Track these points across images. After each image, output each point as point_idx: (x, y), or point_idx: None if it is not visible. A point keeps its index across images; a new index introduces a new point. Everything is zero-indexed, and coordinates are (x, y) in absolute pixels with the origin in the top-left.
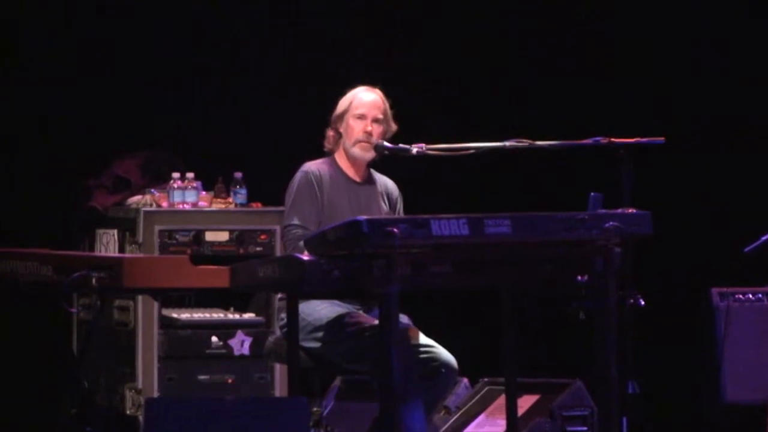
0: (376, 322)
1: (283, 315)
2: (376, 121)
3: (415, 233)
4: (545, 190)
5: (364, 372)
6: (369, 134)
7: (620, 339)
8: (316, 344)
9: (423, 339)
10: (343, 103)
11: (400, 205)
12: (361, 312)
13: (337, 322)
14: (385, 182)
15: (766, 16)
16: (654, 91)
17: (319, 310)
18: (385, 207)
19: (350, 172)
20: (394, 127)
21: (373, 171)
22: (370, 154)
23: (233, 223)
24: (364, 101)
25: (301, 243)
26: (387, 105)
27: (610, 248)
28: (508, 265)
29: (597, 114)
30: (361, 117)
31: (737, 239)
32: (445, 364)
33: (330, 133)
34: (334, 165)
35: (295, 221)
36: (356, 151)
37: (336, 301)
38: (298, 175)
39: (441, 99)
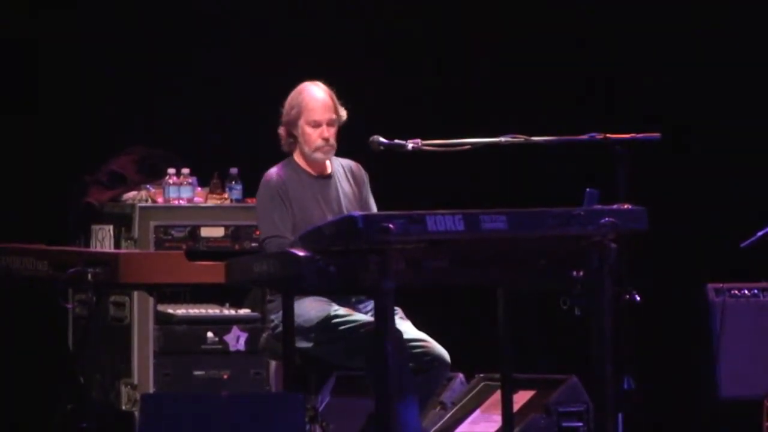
0: (368, 318)
1: (273, 316)
2: (330, 123)
3: (411, 229)
4: (541, 185)
5: (358, 368)
6: (327, 140)
7: (616, 335)
8: (308, 344)
9: (415, 333)
10: (293, 109)
11: (368, 185)
12: (351, 309)
13: (328, 321)
14: (348, 165)
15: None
16: (650, 87)
17: (309, 310)
18: (353, 191)
19: (312, 168)
20: (344, 114)
21: (333, 158)
22: (331, 155)
23: (229, 218)
24: (315, 107)
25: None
26: (334, 98)
27: (605, 244)
28: (504, 260)
29: (593, 110)
30: (316, 124)
31: (733, 235)
32: (438, 358)
33: (284, 134)
34: (294, 165)
35: (272, 233)
36: (318, 156)
37: (325, 299)
38: (262, 187)
39: (437, 94)
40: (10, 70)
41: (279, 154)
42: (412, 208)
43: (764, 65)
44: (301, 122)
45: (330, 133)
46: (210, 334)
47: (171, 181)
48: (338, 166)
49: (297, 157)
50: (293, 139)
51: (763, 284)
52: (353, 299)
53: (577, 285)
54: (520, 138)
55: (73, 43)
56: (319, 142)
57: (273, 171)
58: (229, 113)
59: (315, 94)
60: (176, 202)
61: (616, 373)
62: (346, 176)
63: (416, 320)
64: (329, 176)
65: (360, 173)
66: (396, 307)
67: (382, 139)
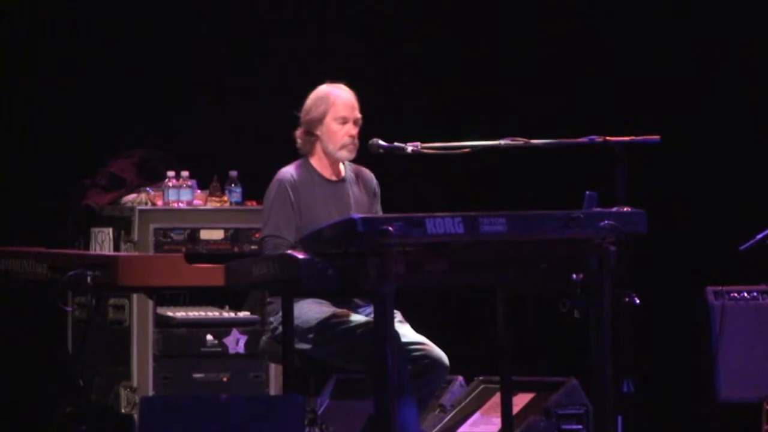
0: (366, 320)
1: (272, 318)
2: (356, 122)
3: (410, 232)
4: (540, 188)
5: (357, 370)
6: (354, 137)
7: (615, 337)
8: (307, 346)
9: (414, 336)
10: (319, 106)
11: (378, 194)
12: (349, 310)
13: (327, 322)
14: (361, 173)
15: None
16: (650, 89)
17: (307, 312)
18: (365, 199)
19: (326, 172)
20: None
21: (347, 164)
22: (354, 155)
23: (228, 221)
24: (343, 104)
25: (278, 252)
26: (356, 100)
27: (605, 247)
28: (504, 263)
29: (592, 112)
30: (344, 121)
31: (732, 238)
32: (437, 361)
33: (301, 134)
34: (309, 167)
35: (272, 232)
36: (342, 154)
37: (324, 302)
38: (273, 185)
39: (436, 97)
40: (10, 71)
41: (278, 156)
42: (411, 210)
43: (764, 66)
44: (328, 119)
45: (355, 131)
46: (209, 337)
47: (170, 184)
48: (350, 172)
49: (313, 159)
50: (314, 138)
51: (763, 287)
52: (352, 304)
53: (577, 288)
54: (520, 141)
55: (73, 44)
56: (346, 140)
57: (287, 170)
58: (229, 116)
59: (342, 93)
60: (176, 204)
61: (615, 376)
62: (358, 183)
63: (415, 323)
64: (342, 181)
65: (372, 182)
66: (395, 310)
67: (381, 142)
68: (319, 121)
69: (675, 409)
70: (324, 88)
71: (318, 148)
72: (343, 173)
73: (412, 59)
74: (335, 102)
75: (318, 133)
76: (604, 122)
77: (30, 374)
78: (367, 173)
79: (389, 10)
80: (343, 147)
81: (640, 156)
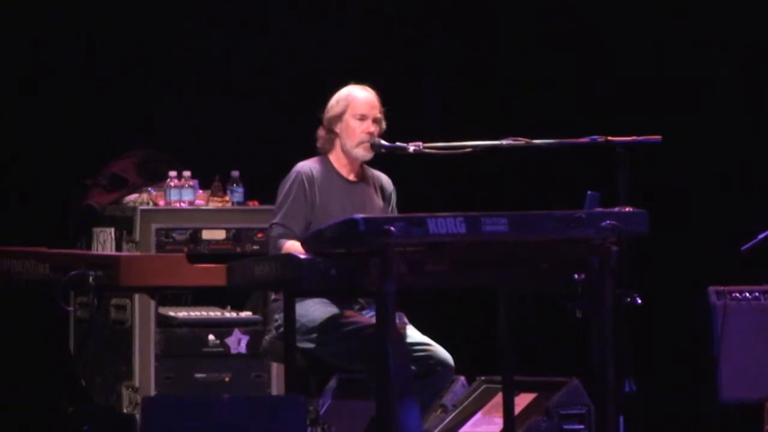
0: (370, 321)
1: (277, 316)
2: (375, 121)
3: (412, 231)
4: (542, 188)
5: (360, 371)
6: (372, 135)
7: (617, 337)
8: (311, 345)
9: (419, 337)
10: (339, 103)
11: (394, 200)
12: (354, 312)
13: (332, 322)
14: (379, 177)
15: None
16: (651, 89)
17: (313, 311)
18: (379, 203)
19: (344, 171)
20: (384, 124)
21: (366, 167)
22: (371, 154)
23: (230, 221)
24: (363, 101)
25: (280, 242)
26: (379, 102)
27: (606, 247)
28: (505, 263)
29: (594, 112)
30: (363, 118)
31: (734, 238)
32: (441, 362)
33: (322, 132)
34: (328, 164)
35: (279, 221)
36: (359, 152)
37: (329, 301)
38: (290, 175)
39: (438, 97)
40: (10, 71)
41: (280, 157)
42: (413, 210)
43: (764, 66)
44: (347, 116)
45: (375, 130)
46: (211, 337)
47: (172, 184)
48: (368, 175)
49: (332, 157)
50: (333, 135)
51: (765, 287)
52: (357, 306)
53: (579, 288)
54: (521, 141)
55: (73, 44)
56: (364, 137)
57: (306, 164)
58: (231, 116)
59: (363, 92)
60: (178, 204)
61: (617, 376)
62: (375, 187)
63: (417, 324)
64: (359, 181)
65: (389, 187)
66: (399, 313)
67: (383, 142)
68: (339, 117)
69: (677, 410)
70: (346, 88)
71: (337, 145)
72: (360, 174)
73: (412, 59)
74: (355, 99)
75: (337, 130)
76: (606, 122)
77: (32, 374)
78: (385, 178)
79: (389, 10)
80: (359, 144)
81: (642, 156)
